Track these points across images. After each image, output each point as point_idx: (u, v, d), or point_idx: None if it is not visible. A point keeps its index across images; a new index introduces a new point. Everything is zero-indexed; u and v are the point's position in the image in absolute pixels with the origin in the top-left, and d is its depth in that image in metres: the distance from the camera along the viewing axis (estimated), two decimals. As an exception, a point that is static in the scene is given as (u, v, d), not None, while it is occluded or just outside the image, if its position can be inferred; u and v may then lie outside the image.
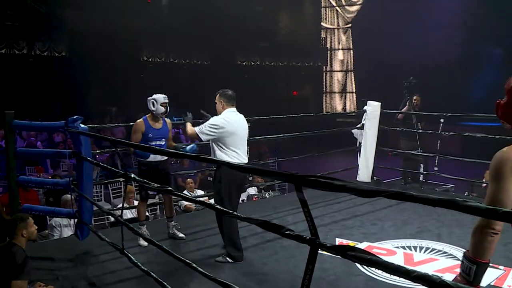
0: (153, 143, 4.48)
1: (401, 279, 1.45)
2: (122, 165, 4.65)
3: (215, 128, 4.06)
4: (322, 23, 22.53)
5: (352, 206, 5.77)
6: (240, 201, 7.99)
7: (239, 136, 4.16)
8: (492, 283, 3.62)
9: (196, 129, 4.14)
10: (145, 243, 4.35)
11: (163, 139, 4.60)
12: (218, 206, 2.42)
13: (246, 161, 4.27)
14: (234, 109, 4.23)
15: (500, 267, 3.88)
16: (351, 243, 4.50)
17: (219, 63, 19.15)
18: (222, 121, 4.09)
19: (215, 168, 4.37)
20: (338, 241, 4.60)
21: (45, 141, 12.84)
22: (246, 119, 6.15)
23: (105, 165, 4.34)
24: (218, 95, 4.26)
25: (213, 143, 4.17)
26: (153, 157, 4.49)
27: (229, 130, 4.07)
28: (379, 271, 3.57)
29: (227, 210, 2.32)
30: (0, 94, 13.47)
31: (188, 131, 4.27)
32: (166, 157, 4.55)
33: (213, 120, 4.14)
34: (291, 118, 8.35)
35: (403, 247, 4.41)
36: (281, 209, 5.77)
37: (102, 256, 4.22)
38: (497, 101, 1.96)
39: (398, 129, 7.18)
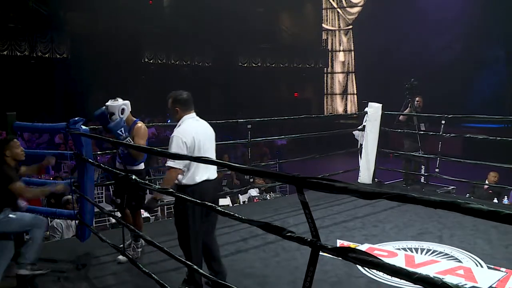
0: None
1: (403, 281, 1.44)
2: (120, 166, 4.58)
3: (182, 146, 3.30)
4: (323, 25, 22.55)
5: (353, 208, 5.76)
6: (241, 203, 8.07)
7: (205, 148, 3.42)
8: (493, 285, 3.61)
9: (169, 163, 3.30)
10: (125, 259, 3.89)
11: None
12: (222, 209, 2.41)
13: (215, 175, 3.53)
14: (193, 114, 3.51)
15: (502, 269, 3.87)
16: (352, 245, 4.50)
17: (221, 64, 19.20)
18: (184, 135, 3.34)
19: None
20: (339, 242, 4.59)
21: (46, 142, 12.87)
22: (247, 121, 6.14)
23: (106, 166, 4.34)
24: (170, 100, 3.50)
25: None
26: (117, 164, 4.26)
27: (195, 143, 3.36)
28: (381, 273, 3.56)
29: (231, 212, 2.31)
30: (1, 95, 13.51)
31: (167, 180, 3.39)
32: (136, 167, 4.19)
33: (174, 139, 3.33)
34: (292, 119, 8.36)
35: (405, 249, 4.40)
36: (282, 211, 5.76)
37: (103, 257, 4.22)
38: None
39: (399, 130, 7.18)
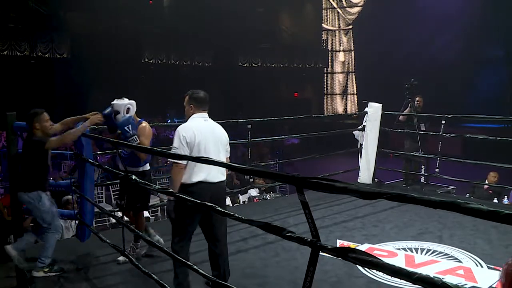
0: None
1: (403, 281, 1.44)
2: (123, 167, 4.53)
3: (182, 139, 3.30)
4: (323, 25, 22.56)
5: (353, 207, 5.77)
6: (241, 203, 8.07)
7: (207, 149, 3.32)
8: (493, 285, 3.61)
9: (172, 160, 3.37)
10: (125, 259, 3.85)
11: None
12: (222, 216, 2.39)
13: (219, 179, 3.37)
14: (204, 114, 3.48)
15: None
16: (352, 244, 4.50)
17: (221, 64, 19.20)
18: (184, 130, 3.35)
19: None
20: (339, 242, 4.59)
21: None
22: (247, 121, 6.12)
23: (106, 166, 4.34)
24: (187, 97, 3.50)
25: None
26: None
27: (195, 140, 3.31)
28: (381, 273, 3.56)
29: (231, 213, 2.31)
30: (1, 95, 13.51)
31: (172, 176, 3.35)
32: (141, 168, 4.16)
33: (176, 133, 3.39)
34: (293, 119, 8.36)
35: (405, 249, 4.41)
36: (282, 211, 5.76)
37: (103, 257, 4.22)
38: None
39: (399, 130, 7.19)
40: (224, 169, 3.37)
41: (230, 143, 3.62)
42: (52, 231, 3.87)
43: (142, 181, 3.29)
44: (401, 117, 7.19)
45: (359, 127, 7.15)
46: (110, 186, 8.29)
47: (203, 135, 3.36)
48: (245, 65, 20.01)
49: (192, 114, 3.48)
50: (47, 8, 15.57)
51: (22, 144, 4.00)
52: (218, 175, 3.37)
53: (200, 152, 3.28)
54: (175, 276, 3.33)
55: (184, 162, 3.28)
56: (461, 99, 16.48)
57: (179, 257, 2.90)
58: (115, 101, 4.11)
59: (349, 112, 21.58)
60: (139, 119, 4.27)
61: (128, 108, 4.09)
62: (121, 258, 4.03)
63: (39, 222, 3.93)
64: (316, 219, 1.76)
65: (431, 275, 1.34)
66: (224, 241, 3.50)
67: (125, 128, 3.97)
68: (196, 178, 3.28)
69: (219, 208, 2.33)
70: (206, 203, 2.43)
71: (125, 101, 4.13)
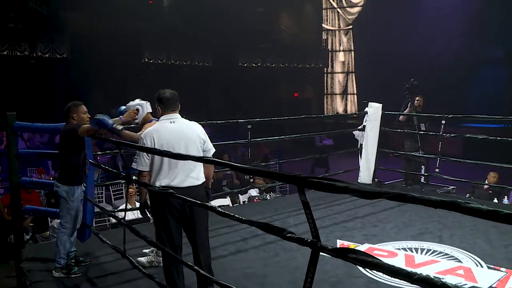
0: None
1: (403, 281, 1.44)
2: (123, 167, 4.51)
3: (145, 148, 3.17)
4: (323, 25, 22.53)
5: (353, 207, 5.77)
6: (241, 203, 8.06)
7: (175, 151, 2.93)
8: (493, 285, 3.61)
9: (133, 165, 3.34)
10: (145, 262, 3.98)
11: None
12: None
13: (189, 184, 3.17)
14: (173, 115, 3.29)
15: (502, 269, 3.87)
16: (352, 245, 4.50)
17: (221, 64, 19.19)
18: (145, 136, 3.25)
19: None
20: (339, 243, 4.59)
21: (46, 142, 12.90)
22: (247, 121, 6.11)
23: (106, 166, 4.34)
24: (155, 99, 3.36)
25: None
26: None
27: (154, 146, 3.17)
28: (381, 273, 3.56)
29: (231, 213, 2.30)
30: (2, 95, 13.51)
31: (140, 190, 3.47)
32: None
33: (139, 141, 3.32)
34: (293, 119, 8.36)
35: (404, 249, 4.41)
36: (282, 211, 5.76)
37: (103, 257, 4.23)
38: None
39: (399, 130, 7.19)
40: (200, 172, 3.23)
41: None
42: (62, 231, 3.82)
43: (141, 182, 3.29)
44: (401, 117, 7.19)
45: (359, 127, 7.15)
46: (110, 186, 8.28)
47: (165, 138, 3.20)
48: (245, 65, 19.99)
49: (160, 116, 3.35)
50: (47, 8, 15.55)
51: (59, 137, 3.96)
52: (187, 179, 3.16)
53: (163, 157, 3.07)
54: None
55: (147, 169, 3.22)
56: (461, 99, 16.47)
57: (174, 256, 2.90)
58: (129, 103, 4.06)
59: (349, 112, 21.56)
60: (151, 118, 4.11)
61: (137, 109, 4.00)
62: (143, 260, 3.98)
63: (59, 216, 3.88)
64: (316, 219, 1.76)
65: (431, 275, 1.35)
66: (204, 245, 3.27)
67: (105, 117, 3.65)
68: (158, 184, 3.12)
69: (218, 209, 2.33)
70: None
71: (136, 101, 4.05)
